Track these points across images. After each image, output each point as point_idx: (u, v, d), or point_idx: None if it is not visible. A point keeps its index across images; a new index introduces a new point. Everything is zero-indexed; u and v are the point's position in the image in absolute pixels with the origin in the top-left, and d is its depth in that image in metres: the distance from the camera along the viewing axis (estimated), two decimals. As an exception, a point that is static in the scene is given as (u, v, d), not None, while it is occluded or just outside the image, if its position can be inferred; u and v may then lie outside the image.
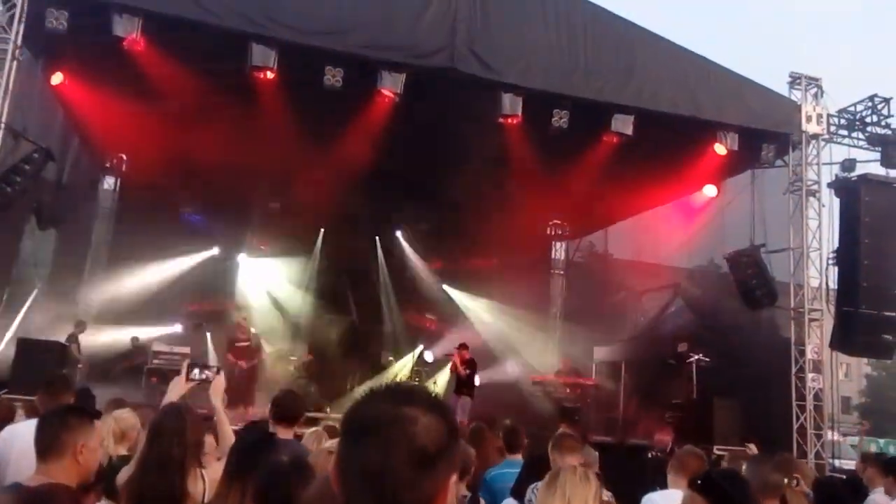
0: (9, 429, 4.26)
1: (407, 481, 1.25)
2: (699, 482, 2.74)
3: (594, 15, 10.76)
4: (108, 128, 11.85)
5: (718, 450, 10.02)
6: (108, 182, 14.28)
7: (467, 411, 11.54)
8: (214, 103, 10.79)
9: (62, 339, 11.65)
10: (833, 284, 11.62)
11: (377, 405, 1.31)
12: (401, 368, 15.87)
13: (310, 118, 10.76)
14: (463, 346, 12.94)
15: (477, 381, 12.82)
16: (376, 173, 12.33)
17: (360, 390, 1.28)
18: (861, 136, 12.14)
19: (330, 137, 11.39)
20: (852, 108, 12.21)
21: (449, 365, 15.52)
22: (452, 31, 9.93)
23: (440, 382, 14.62)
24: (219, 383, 4.14)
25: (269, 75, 9.88)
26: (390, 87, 10.04)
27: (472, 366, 12.58)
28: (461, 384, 12.24)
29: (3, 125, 9.14)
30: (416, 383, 12.29)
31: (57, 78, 10.80)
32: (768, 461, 5.17)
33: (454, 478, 1.33)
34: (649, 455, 9.73)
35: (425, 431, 1.27)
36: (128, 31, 9.22)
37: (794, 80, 11.78)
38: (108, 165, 14.09)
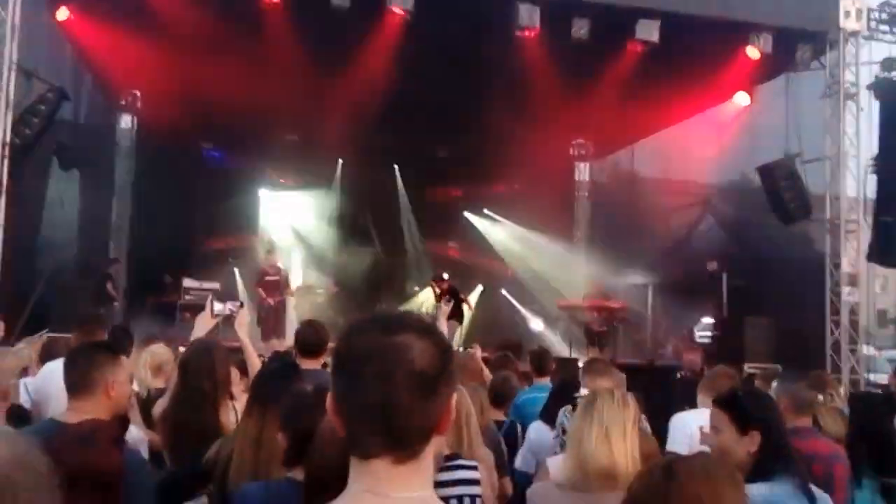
0: (49, 365, 4.35)
1: (411, 408, 1.24)
2: (724, 399, 2.80)
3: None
4: (119, 64, 11.75)
5: (749, 368, 9.92)
6: (125, 120, 14.14)
7: (454, 336, 11.64)
8: (224, 34, 10.56)
9: (97, 278, 11.97)
10: (871, 194, 11.15)
11: (367, 336, 1.28)
12: (426, 297, 15.89)
13: (320, 43, 10.52)
14: (438, 278, 12.97)
15: (467, 307, 12.74)
16: (391, 98, 12.03)
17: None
18: (904, 31, 11.49)
19: (341, 63, 11.14)
20: (894, 1, 11.52)
21: (475, 292, 15.71)
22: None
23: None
24: (243, 316, 4.33)
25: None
26: (400, 4, 9.73)
27: (453, 293, 12.58)
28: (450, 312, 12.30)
29: (14, 65, 9.12)
30: (405, 310, 12.37)
31: (62, 13, 10.67)
32: (801, 379, 5.14)
33: (454, 398, 1.31)
34: (678, 376, 9.72)
35: (421, 356, 1.25)
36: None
37: (833, -28, 11.05)
38: (123, 103, 13.95)
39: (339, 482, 1.29)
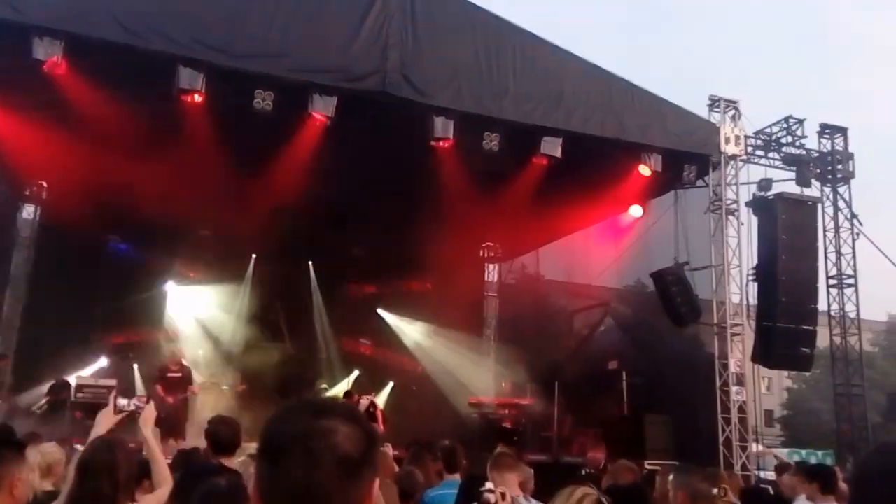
0: None
1: (335, 492, 1.25)
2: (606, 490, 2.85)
3: (524, 40, 11.01)
4: (28, 154, 11.32)
5: (650, 465, 10.20)
6: (28, 211, 13.64)
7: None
8: (141, 128, 10.49)
9: None
10: (753, 300, 12.05)
11: (294, 421, 1.29)
12: (335, 395, 15.65)
13: (241, 142, 10.57)
14: (348, 396, 12.95)
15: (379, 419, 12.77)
16: (309, 197, 12.23)
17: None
18: (777, 156, 12.80)
19: (261, 162, 11.21)
20: (768, 130, 12.91)
21: (386, 389, 15.65)
22: (384, 55, 9.98)
23: (380, 403, 14.44)
24: (149, 413, 4.04)
25: (198, 98, 9.63)
26: (322, 110, 9.96)
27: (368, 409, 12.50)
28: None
29: None
30: (329, 396, 12.13)
31: None
32: (697, 472, 5.30)
33: (377, 483, 1.33)
34: (583, 472, 9.83)
35: (347, 440, 1.27)
36: (49, 53, 8.82)
37: (714, 102, 12.21)
38: (27, 193, 13.50)
39: None
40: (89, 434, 3.87)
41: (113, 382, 12.07)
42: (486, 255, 16.90)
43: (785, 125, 12.85)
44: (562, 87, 11.02)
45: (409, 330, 16.73)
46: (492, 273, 17.01)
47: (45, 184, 13.42)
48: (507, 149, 10.81)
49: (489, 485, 3.88)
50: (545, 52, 11.19)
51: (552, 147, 10.89)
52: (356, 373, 16.26)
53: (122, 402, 4.04)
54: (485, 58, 10.66)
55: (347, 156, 11.27)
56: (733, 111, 12.20)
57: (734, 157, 12.12)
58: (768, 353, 11.76)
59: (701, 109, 12.17)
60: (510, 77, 10.70)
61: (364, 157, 11.46)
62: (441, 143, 10.62)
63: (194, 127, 10.26)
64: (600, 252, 14.04)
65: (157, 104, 9.97)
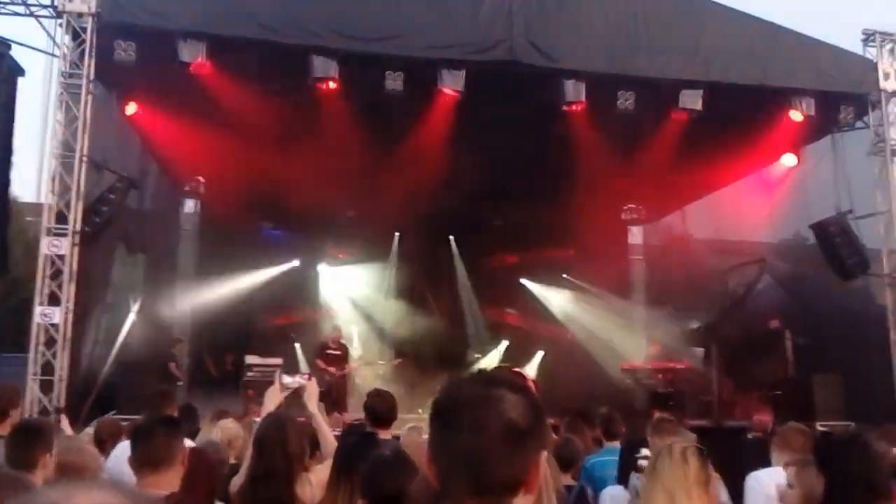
0: (121, 446, 4.44)
1: (500, 458, 1.29)
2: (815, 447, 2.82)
3: (654, -11, 10.54)
4: (184, 152, 12.14)
5: (821, 426, 9.65)
6: (189, 205, 14.64)
7: None
8: (283, 120, 11.01)
9: (161, 358, 12.19)
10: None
11: (465, 388, 1.37)
12: (487, 366, 15.82)
13: (376, 124, 10.88)
14: None
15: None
16: (445, 173, 12.37)
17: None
18: (945, 88, 11.44)
19: (396, 141, 11.49)
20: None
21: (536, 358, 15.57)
22: (509, 23, 9.89)
23: (530, 373, 14.51)
24: (312, 388, 4.22)
25: (332, 85, 10.01)
26: (451, 85, 10.05)
27: None
28: None
29: (85, 158, 9.48)
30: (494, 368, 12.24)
31: (131, 108, 11.16)
32: (872, 431, 4.96)
33: (544, 455, 1.37)
34: (748, 436, 9.50)
35: (514, 409, 1.31)
36: (193, 55, 9.46)
37: (868, 37, 11.20)
38: (187, 189, 14.51)
39: None
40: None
41: (279, 361, 12.67)
42: (628, 218, 16.43)
43: (952, 53, 11.46)
44: (699, 35, 10.46)
45: (555, 298, 16.61)
46: (636, 236, 16.52)
47: (202, 179, 14.32)
48: (644, 106, 10.42)
49: (645, 451, 3.84)
50: (678, 0, 10.68)
51: (692, 100, 10.38)
52: (505, 343, 16.36)
53: (287, 379, 4.23)
54: (613, 13, 10.31)
55: (480, 129, 11.25)
56: (891, 45, 11.13)
57: (895, 93, 11.07)
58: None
59: (855, 46, 11.19)
60: (642, 30, 10.26)
61: (496, 129, 11.40)
62: (573, 108, 10.39)
63: (331, 113, 10.64)
64: (752, 206, 13.19)
65: (295, 95, 10.39)
